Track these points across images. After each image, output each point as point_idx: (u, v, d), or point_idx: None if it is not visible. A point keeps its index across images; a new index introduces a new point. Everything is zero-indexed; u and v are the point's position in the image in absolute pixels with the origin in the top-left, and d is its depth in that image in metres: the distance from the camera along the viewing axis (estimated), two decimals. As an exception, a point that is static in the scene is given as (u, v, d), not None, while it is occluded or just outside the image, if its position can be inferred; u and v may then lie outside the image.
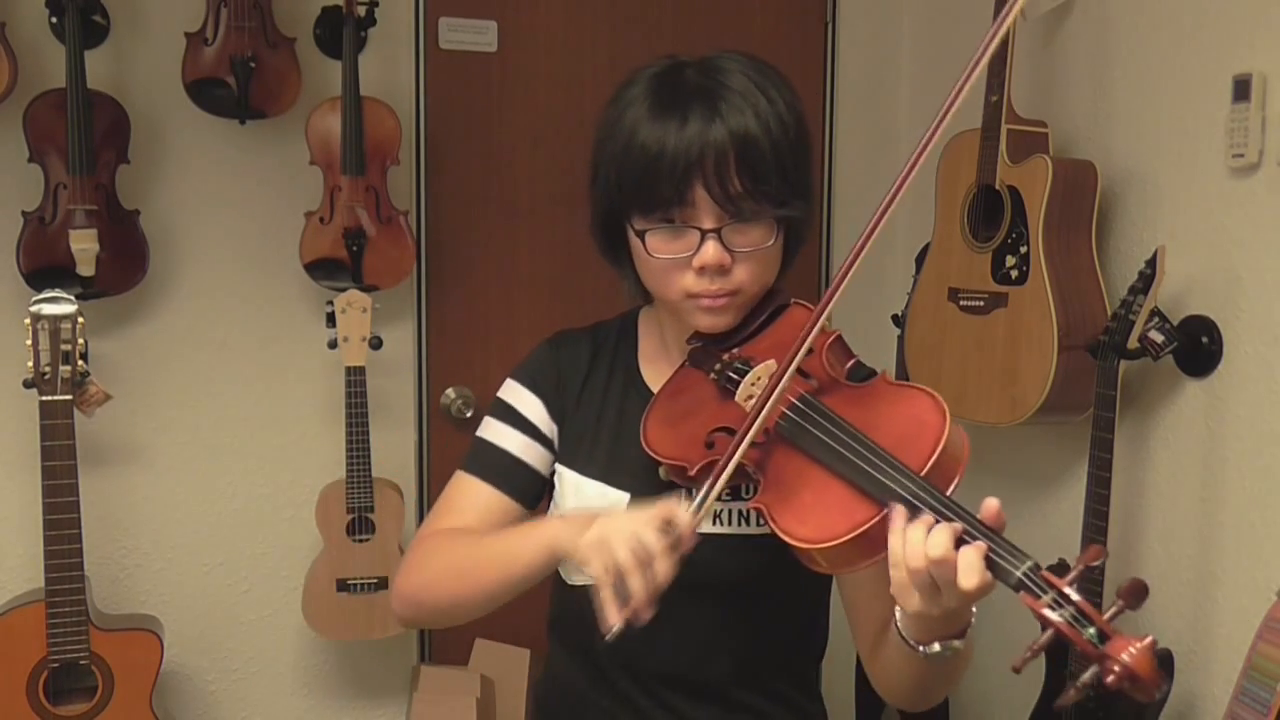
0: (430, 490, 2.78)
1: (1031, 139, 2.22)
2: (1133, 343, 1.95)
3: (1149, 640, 0.87)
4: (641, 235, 1.22)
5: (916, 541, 0.96)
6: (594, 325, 1.42)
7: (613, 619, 1.04)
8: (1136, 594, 0.89)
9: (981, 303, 2.26)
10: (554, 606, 1.43)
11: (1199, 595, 2.03)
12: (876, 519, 0.99)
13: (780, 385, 1.11)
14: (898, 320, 2.63)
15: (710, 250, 1.19)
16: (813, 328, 1.13)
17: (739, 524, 1.26)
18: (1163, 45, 2.10)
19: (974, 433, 2.37)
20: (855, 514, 1.01)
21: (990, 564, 0.94)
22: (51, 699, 2.25)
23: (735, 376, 1.21)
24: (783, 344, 1.18)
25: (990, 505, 0.97)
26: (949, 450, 1.01)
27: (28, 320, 2.20)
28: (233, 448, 2.66)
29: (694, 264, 1.20)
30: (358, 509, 2.50)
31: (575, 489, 1.32)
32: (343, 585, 2.51)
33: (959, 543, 0.95)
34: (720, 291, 1.21)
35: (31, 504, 2.35)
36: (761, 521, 1.18)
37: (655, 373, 1.33)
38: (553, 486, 1.36)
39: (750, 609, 1.29)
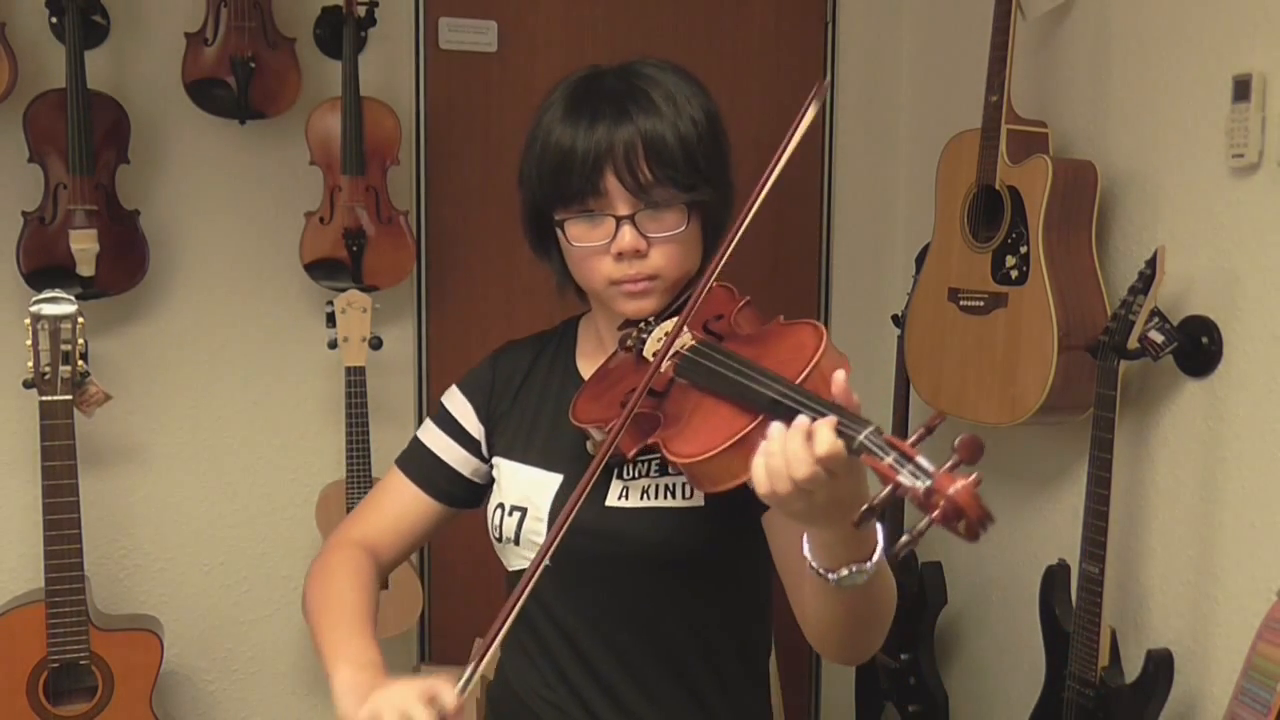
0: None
1: (1031, 139, 2.22)
2: (1133, 343, 1.95)
3: (974, 476, 0.91)
4: (562, 225, 1.31)
5: (778, 447, 1.01)
6: (538, 334, 1.53)
7: None
8: (970, 447, 0.92)
9: (981, 303, 2.26)
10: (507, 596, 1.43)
11: (1199, 595, 2.03)
12: (753, 425, 1.06)
13: (678, 327, 1.20)
14: (898, 320, 2.64)
15: (626, 236, 1.27)
16: (709, 279, 1.21)
17: (666, 496, 1.29)
18: (1163, 45, 2.10)
19: (974, 433, 2.37)
20: (734, 424, 1.08)
21: (836, 433, 0.99)
22: (51, 699, 2.25)
23: (644, 338, 1.29)
24: (699, 316, 1.26)
25: (838, 378, 1.04)
26: (823, 365, 1.09)
27: (28, 320, 2.20)
28: (233, 448, 2.66)
29: (612, 250, 1.28)
30: (358, 509, 2.50)
31: (512, 476, 1.39)
32: (343, 585, 2.50)
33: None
34: (639, 275, 1.29)
35: (31, 504, 2.35)
36: (689, 493, 1.27)
37: (591, 367, 1.39)
38: (493, 480, 1.43)
39: (688, 582, 1.31)
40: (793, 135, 1.22)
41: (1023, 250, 2.16)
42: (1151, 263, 1.95)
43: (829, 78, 2.99)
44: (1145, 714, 1.93)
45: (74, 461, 2.21)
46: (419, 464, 1.46)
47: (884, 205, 3.02)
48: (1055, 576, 2.18)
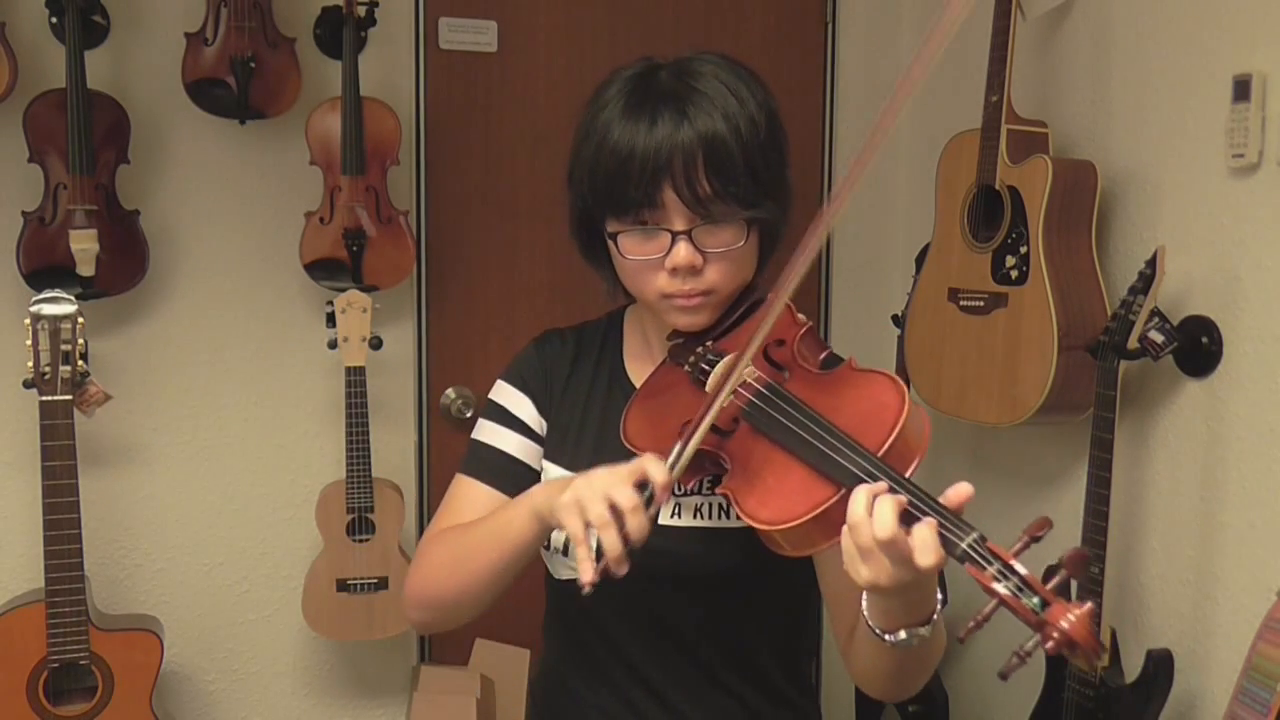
0: (430, 490, 2.78)
1: (1031, 139, 2.21)
2: (1133, 343, 1.95)
3: (1087, 607, 0.89)
4: (614, 237, 1.25)
5: (859, 510, 0.98)
6: (580, 325, 1.45)
7: (587, 574, 1.06)
8: (1078, 563, 0.91)
9: (981, 303, 2.26)
10: (549, 604, 1.45)
11: (1199, 595, 2.03)
12: (834, 499, 1.01)
13: (741, 366, 1.14)
14: (898, 320, 2.63)
15: (682, 251, 1.21)
16: (773, 310, 1.15)
17: (720, 517, 1.27)
18: (1163, 45, 2.10)
19: (974, 433, 2.38)
20: (814, 495, 1.03)
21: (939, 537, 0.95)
22: (51, 699, 2.25)
23: (706, 368, 1.23)
24: (761, 341, 1.20)
25: (960, 490, 0.98)
26: (906, 432, 1.03)
27: (28, 320, 2.20)
28: (233, 448, 2.66)
29: (666, 265, 1.22)
30: (358, 509, 2.50)
31: None
32: (343, 585, 2.51)
33: (905, 516, 0.97)
34: (693, 291, 1.24)
35: (31, 504, 2.35)
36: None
37: (639, 369, 1.36)
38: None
39: (738, 600, 1.30)
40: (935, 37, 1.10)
41: (1023, 250, 2.16)
42: (1151, 263, 1.95)
43: (830, 74, 2.99)
44: (1145, 714, 1.93)
45: (74, 461, 2.21)
46: (487, 465, 1.38)
47: (884, 205, 3.02)
48: (1055, 576, 2.17)
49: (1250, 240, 1.92)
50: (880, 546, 0.96)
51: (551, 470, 1.37)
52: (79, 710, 2.27)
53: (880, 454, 1.01)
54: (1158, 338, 1.94)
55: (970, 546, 0.93)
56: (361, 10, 2.48)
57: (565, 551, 1.32)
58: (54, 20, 2.40)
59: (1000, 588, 0.90)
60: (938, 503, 0.97)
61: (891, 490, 0.98)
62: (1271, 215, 1.88)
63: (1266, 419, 1.90)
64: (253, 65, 2.40)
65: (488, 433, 1.40)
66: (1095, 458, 1.98)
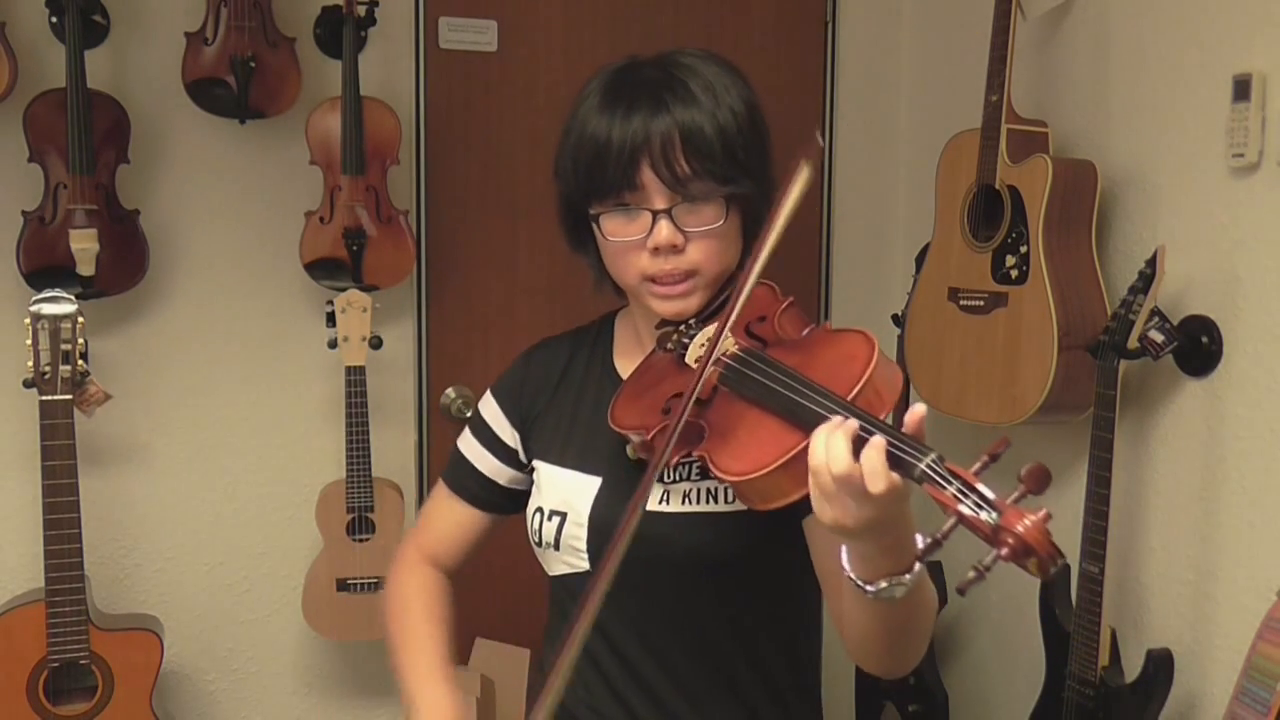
0: (430, 490, 2.78)
1: (1031, 139, 2.22)
2: (1133, 343, 1.95)
3: (1043, 513, 0.89)
4: (597, 219, 1.28)
5: (819, 451, 0.98)
6: (574, 330, 1.48)
7: None
8: (1037, 478, 0.90)
9: (981, 303, 2.26)
10: (550, 602, 1.44)
11: (1199, 595, 2.03)
12: (803, 444, 1.01)
13: (722, 335, 1.16)
14: (898, 320, 2.63)
15: (663, 230, 1.23)
16: (745, 281, 1.16)
17: (708, 501, 1.28)
18: (1163, 45, 2.10)
19: (974, 433, 2.38)
20: (784, 441, 1.04)
21: (894, 461, 0.95)
22: (51, 699, 2.25)
23: (686, 341, 1.26)
24: (741, 319, 1.22)
25: (916, 412, 0.98)
26: (875, 380, 1.05)
27: (28, 320, 2.20)
28: (233, 448, 2.66)
29: (648, 245, 1.24)
30: (358, 509, 2.50)
31: (550, 479, 1.37)
32: (343, 585, 2.51)
33: (861, 444, 0.97)
34: (675, 270, 1.25)
35: (31, 504, 2.35)
36: (730, 497, 1.24)
37: (629, 365, 1.37)
38: (534, 484, 1.42)
39: (731, 587, 1.30)
40: (785, 200, 1.14)
41: (1023, 250, 2.17)
42: (1151, 262, 1.95)
43: (830, 74, 2.99)
44: (1145, 714, 1.93)
45: (74, 461, 2.21)
46: (459, 475, 1.48)
47: (884, 205, 3.02)
48: (1055, 576, 2.18)
49: (1250, 240, 1.92)
50: (837, 483, 0.96)
51: (542, 469, 1.38)
52: (79, 710, 2.27)
53: (849, 398, 1.02)
54: (1158, 337, 1.94)
55: (929, 467, 0.92)
56: (361, 10, 2.48)
57: (557, 546, 1.33)
58: (54, 20, 2.40)
59: (959, 506, 0.90)
60: (896, 431, 0.97)
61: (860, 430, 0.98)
62: (1271, 215, 1.88)
63: (1266, 419, 1.90)
64: (253, 65, 2.40)
65: (466, 444, 1.47)
66: (1095, 458, 1.98)
